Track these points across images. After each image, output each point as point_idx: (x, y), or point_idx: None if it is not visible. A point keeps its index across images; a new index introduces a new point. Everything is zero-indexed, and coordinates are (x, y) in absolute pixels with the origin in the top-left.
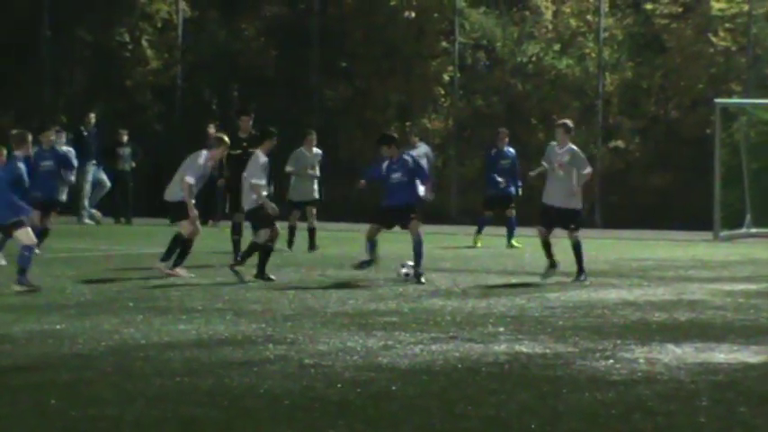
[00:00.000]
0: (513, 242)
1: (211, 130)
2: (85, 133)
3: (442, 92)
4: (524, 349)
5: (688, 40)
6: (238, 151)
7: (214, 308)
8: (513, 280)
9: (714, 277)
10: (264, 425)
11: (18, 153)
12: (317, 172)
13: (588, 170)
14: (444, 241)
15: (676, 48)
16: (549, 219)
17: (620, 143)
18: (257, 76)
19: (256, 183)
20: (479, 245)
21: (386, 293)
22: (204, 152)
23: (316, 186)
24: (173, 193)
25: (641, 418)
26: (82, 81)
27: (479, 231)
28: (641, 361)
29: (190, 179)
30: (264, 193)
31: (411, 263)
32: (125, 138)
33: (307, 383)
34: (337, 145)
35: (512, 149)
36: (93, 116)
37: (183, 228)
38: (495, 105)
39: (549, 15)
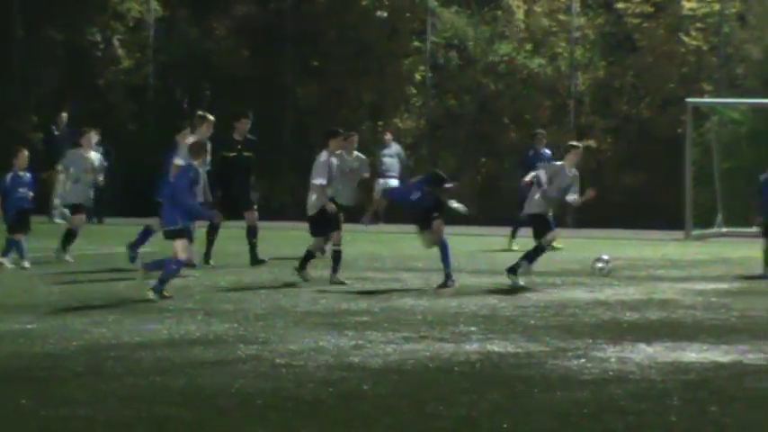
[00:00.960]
0: (514, 245)
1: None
2: (57, 132)
3: (415, 91)
4: (496, 348)
5: (659, 40)
6: (233, 153)
7: (185, 307)
8: (485, 279)
9: (685, 276)
10: (236, 424)
11: (195, 162)
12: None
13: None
14: (416, 241)
15: (648, 47)
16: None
17: (592, 142)
18: (229, 76)
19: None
20: (516, 248)
21: (357, 293)
22: (191, 137)
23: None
24: None
25: (613, 418)
26: (53, 80)
27: (515, 235)
28: (613, 360)
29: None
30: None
31: (606, 256)
32: (97, 137)
33: (278, 383)
34: (311, 145)
35: (548, 151)
36: (64, 115)
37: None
38: (468, 105)
39: (520, 15)
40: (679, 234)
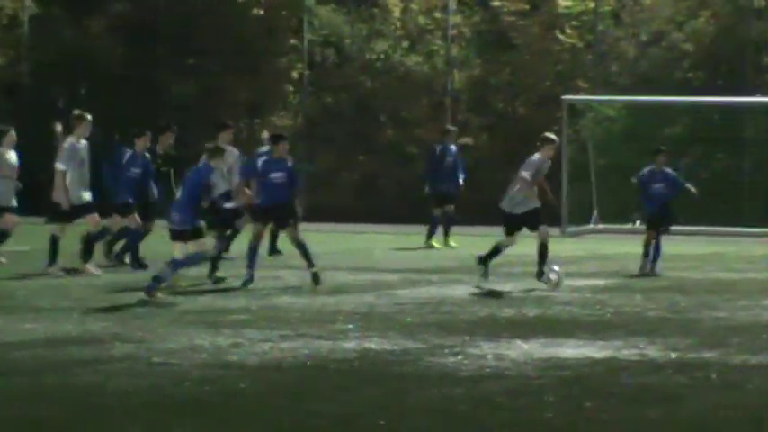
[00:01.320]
0: (451, 242)
1: (58, 128)
2: None
3: (292, 89)
4: (373, 346)
5: (535, 38)
6: (153, 166)
7: (62, 306)
8: (363, 277)
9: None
10: (113, 423)
11: (211, 163)
12: None
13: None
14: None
15: (524, 45)
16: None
17: (468, 140)
18: (105, 74)
19: None
20: (437, 245)
21: (234, 291)
22: (69, 138)
23: None
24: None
25: (489, 414)
26: None
27: (433, 231)
28: (489, 357)
29: (59, 165)
30: None
31: (557, 267)
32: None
33: (155, 381)
34: (187, 144)
35: (453, 147)
36: None
37: (89, 224)
38: (345, 102)
39: (397, 13)
40: (555, 231)
